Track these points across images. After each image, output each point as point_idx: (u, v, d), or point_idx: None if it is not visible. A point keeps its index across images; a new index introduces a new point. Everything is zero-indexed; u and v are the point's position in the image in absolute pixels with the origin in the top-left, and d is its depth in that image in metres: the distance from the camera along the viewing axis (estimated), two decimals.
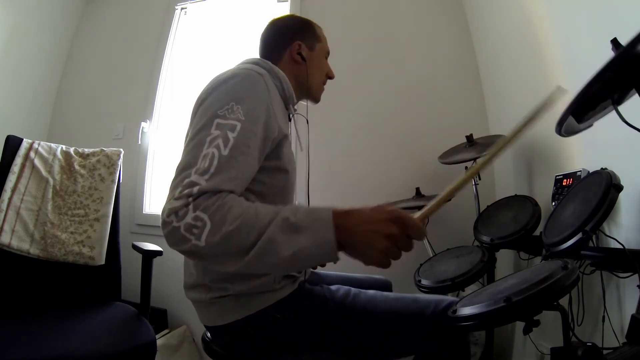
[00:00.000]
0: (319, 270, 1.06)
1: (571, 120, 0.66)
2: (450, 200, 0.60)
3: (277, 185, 0.76)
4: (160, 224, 0.55)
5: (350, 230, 0.53)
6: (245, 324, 0.73)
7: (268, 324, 0.74)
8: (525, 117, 0.61)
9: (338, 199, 1.70)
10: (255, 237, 0.52)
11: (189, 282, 0.80)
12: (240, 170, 0.60)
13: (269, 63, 0.81)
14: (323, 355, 0.79)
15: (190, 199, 0.54)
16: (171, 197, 0.56)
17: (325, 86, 0.98)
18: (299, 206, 0.57)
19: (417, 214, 0.56)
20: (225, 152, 0.59)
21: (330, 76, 0.97)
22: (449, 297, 0.78)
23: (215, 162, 0.57)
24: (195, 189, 0.54)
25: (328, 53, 0.98)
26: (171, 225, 0.53)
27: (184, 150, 0.63)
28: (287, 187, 0.80)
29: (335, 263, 0.55)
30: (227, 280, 0.73)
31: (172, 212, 0.53)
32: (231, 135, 0.60)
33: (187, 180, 0.56)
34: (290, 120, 0.88)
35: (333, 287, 0.81)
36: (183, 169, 0.58)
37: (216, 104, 0.65)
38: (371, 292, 0.81)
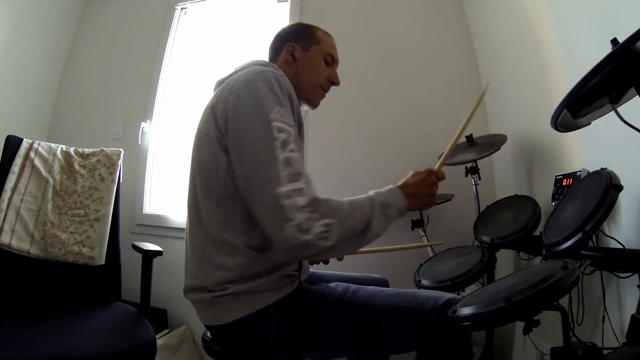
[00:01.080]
0: (317, 269, 1.06)
1: (567, 115, 0.66)
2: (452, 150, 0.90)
3: None
4: (282, 247, 0.61)
5: (411, 194, 0.77)
6: (245, 323, 0.73)
7: (268, 323, 0.74)
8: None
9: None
10: (365, 222, 0.67)
11: (189, 285, 0.79)
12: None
13: (275, 65, 0.86)
14: (323, 352, 0.79)
15: (309, 211, 0.60)
16: (281, 216, 0.59)
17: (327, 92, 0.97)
18: (379, 190, 0.75)
19: (437, 166, 0.87)
20: (297, 155, 0.65)
21: (333, 81, 0.95)
22: (449, 294, 0.78)
23: (300, 165, 0.64)
24: (308, 199, 0.61)
25: (332, 58, 0.95)
26: (300, 240, 0.59)
27: (256, 163, 0.64)
28: None
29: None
30: (228, 282, 0.73)
31: (297, 230, 0.59)
32: (292, 139, 0.66)
33: (284, 190, 0.60)
34: None
35: (332, 285, 0.82)
36: (270, 182, 0.61)
37: (264, 109, 0.67)
38: (370, 288, 0.81)
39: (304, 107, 0.97)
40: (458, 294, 1.24)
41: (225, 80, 0.81)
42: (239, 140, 0.67)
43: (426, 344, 0.74)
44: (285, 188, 0.59)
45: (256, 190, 0.62)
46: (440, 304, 0.74)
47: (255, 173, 0.62)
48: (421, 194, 0.78)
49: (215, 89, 0.85)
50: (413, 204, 0.77)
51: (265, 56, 0.98)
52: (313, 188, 0.63)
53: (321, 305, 0.77)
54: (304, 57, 0.91)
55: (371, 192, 0.74)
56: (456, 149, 1.50)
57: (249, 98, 0.68)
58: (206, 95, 0.85)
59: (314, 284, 0.83)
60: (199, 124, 0.81)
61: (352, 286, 0.81)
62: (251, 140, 0.64)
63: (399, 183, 0.79)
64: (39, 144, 1.46)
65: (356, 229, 0.66)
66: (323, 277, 1.00)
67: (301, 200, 0.59)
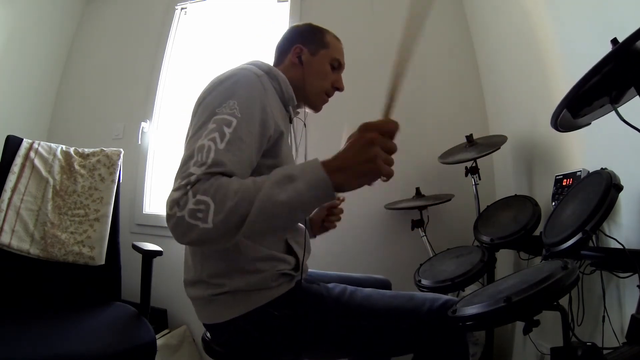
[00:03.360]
0: (317, 270, 1.06)
1: (567, 115, 0.66)
2: (397, 88, 0.65)
3: None
4: (165, 221, 0.56)
5: (341, 163, 0.57)
6: (243, 321, 0.74)
7: (265, 321, 0.74)
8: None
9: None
10: (254, 199, 0.54)
11: (187, 279, 0.80)
12: (236, 163, 0.61)
13: (270, 65, 0.83)
14: (320, 352, 0.80)
15: (189, 187, 0.55)
16: (170, 194, 0.57)
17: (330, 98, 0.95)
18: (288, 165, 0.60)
19: (381, 115, 0.63)
20: (221, 146, 0.60)
21: (337, 87, 0.94)
22: (446, 296, 0.78)
23: (212, 154, 0.59)
24: (193, 177, 0.56)
25: (339, 63, 0.94)
26: (175, 216, 0.54)
27: (185, 147, 0.65)
28: None
29: (334, 199, 0.61)
30: (224, 276, 0.74)
31: (174, 204, 0.55)
32: (227, 131, 0.62)
33: (185, 173, 0.57)
34: (291, 122, 0.88)
35: (330, 285, 0.82)
36: (183, 164, 0.60)
37: (214, 102, 0.66)
38: (367, 290, 0.81)
39: (307, 110, 0.97)
40: (458, 294, 1.25)
41: None
42: (190, 127, 0.69)
43: (423, 346, 0.74)
44: (185, 171, 0.57)
45: (177, 172, 0.61)
46: (437, 306, 0.74)
47: (182, 155, 0.63)
48: (355, 161, 0.56)
49: None
50: (347, 178, 0.56)
51: (267, 56, 0.97)
52: (209, 171, 0.56)
53: (319, 305, 0.77)
54: (311, 61, 0.90)
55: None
56: (455, 148, 1.51)
57: (211, 94, 0.69)
58: None
59: (312, 282, 0.84)
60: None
61: (350, 287, 0.81)
62: (193, 129, 0.65)
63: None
64: (39, 144, 1.46)
65: (242, 209, 0.53)
66: (323, 277, 1.00)
67: (185, 180, 0.56)
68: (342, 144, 0.61)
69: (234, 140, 0.62)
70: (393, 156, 0.60)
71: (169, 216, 0.55)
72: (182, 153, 0.63)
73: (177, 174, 0.60)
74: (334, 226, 1.08)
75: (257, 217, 0.54)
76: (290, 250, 0.81)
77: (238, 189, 0.55)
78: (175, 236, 0.56)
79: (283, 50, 0.93)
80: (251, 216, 0.54)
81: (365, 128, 0.59)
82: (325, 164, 0.57)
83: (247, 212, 0.54)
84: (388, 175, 0.58)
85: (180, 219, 0.54)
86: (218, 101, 0.66)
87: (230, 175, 0.59)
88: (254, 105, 0.68)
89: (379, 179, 0.58)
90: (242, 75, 0.72)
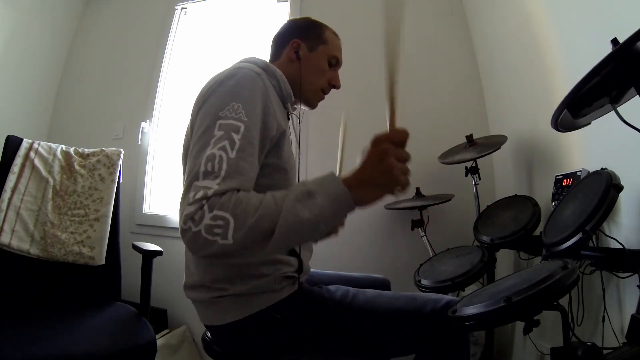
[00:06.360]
0: (317, 270, 1.06)
1: (567, 115, 0.66)
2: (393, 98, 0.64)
3: (275, 186, 0.76)
4: (179, 233, 0.55)
5: (358, 178, 0.58)
6: (245, 324, 0.74)
7: (268, 324, 0.74)
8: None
9: None
10: (276, 217, 0.55)
11: (189, 283, 0.80)
12: (247, 172, 0.61)
13: (266, 62, 0.82)
14: (322, 353, 0.79)
15: (204, 201, 0.54)
16: (185, 203, 0.56)
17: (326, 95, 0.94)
18: (305, 179, 0.60)
19: (388, 126, 0.62)
20: (232, 155, 0.59)
21: (333, 84, 0.93)
22: (447, 296, 0.78)
23: (224, 166, 0.58)
24: (210, 192, 0.55)
25: (336, 60, 0.92)
26: (190, 231, 0.53)
27: (190, 154, 0.63)
28: (286, 186, 0.80)
29: (353, 211, 0.58)
30: (227, 281, 0.74)
31: (188, 218, 0.54)
32: (236, 138, 0.61)
33: (196, 184, 0.56)
34: (289, 119, 0.88)
35: (332, 288, 0.82)
36: (191, 174, 0.59)
37: (217, 105, 0.65)
38: (370, 291, 0.81)
39: (303, 107, 0.96)
40: (458, 294, 1.25)
41: None
42: (193, 130, 0.67)
43: (425, 347, 0.74)
44: (199, 182, 0.56)
45: (184, 181, 0.61)
46: (439, 307, 0.74)
47: (188, 165, 0.62)
48: (371, 174, 0.57)
49: None
50: (365, 192, 0.58)
51: (266, 55, 0.97)
52: (227, 185, 0.56)
53: (321, 308, 0.77)
54: (308, 56, 0.88)
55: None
56: (455, 148, 1.51)
57: (213, 96, 0.67)
58: None
59: (313, 285, 0.83)
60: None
61: (352, 289, 0.81)
62: (196, 136, 0.64)
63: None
64: (39, 144, 1.46)
65: (264, 226, 0.54)
66: (323, 279, 1.00)
67: (200, 194, 0.55)
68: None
69: (243, 147, 0.61)
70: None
71: (183, 230, 0.54)
72: (189, 159, 0.62)
73: (186, 184, 0.58)
74: (336, 232, 1.05)
75: (283, 234, 0.55)
76: (293, 252, 0.80)
77: (258, 205, 0.55)
78: (192, 250, 0.56)
79: (280, 44, 0.92)
80: (277, 234, 0.54)
81: (377, 140, 0.59)
82: (343, 180, 0.58)
83: (270, 228, 0.54)
84: (404, 185, 0.58)
85: (196, 234, 0.53)
86: (221, 104, 0.64)
87: (243, 186, 0.59)
88: (257, 106, 0.67)
89: (396, 191, 0.59)
90: (243, 74, 0.70)
